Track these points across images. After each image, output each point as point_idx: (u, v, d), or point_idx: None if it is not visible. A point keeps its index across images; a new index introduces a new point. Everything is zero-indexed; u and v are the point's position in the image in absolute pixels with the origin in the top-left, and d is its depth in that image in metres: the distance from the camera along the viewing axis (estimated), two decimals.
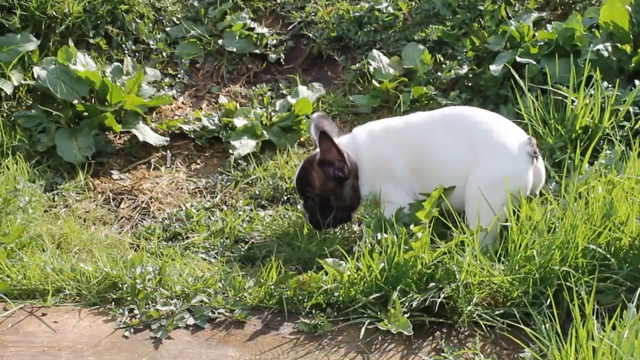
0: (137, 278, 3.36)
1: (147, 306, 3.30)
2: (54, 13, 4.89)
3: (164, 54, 5.00)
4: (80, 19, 4.92)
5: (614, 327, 2.77)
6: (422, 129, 3.65)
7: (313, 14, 5.17)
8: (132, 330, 3.22)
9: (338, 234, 3.83)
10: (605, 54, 4.40)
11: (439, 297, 3.17)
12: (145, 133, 4.52)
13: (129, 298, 3.35)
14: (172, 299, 3.33)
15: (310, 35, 5.11)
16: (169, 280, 3.38)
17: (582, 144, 3.91)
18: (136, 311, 3.29)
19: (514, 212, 3.34)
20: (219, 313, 3.28)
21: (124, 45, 5.00)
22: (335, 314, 3.24)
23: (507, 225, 3.34)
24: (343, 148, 3.68)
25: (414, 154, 3.64)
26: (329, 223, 3.72)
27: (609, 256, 3.20)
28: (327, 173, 3.67)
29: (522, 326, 3.00)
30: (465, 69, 4.76)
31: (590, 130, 4.03)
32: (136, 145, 4.54)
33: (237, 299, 3.33)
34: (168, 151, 4.53)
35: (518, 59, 4.50)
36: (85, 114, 4.49)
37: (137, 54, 4.99)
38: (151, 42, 5.03)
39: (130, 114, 4.55)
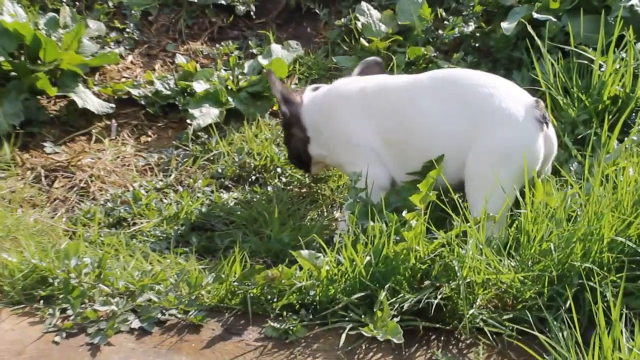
0: (72, 272, 3.31)
1: (82, 306, 3.25)
2: None
3: (110, 4, 4.97)
4: None
5: None
6: (405, 94, 3.63)
7: None
8: (64, 335, 3.16)
9: (316, 221, 3.80)
10: None
11: (435, 298, 3.15)
12: (86, 98, 4.48)
13: (61, 296, 3.29)
14: (113, 298, 3.29)
15: None
16: (111, 275, 3.34)
17: (610, 117, 3.93)
18: (69, 311, 3.23)
19: (525, 193, 3.32)
20: (170, 315, 3.24)
21: None
22: (311, 316, 3.21)
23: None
24: (309, 99, 3.84)
25: (391, 123, 3.64)
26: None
27: None
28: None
29: (535, 333, 2.97)
30: (471, 27, 4.77)
31: (620, 100, 4.03)
32: (74, 113, 4.49)
33: (193, 298, 3.29)
34: (113, 120, 4.50)
35: (535, 15, 4.50)
36: (13, 74, 4.43)
37: (77, 3, 4.95)
38: None
39: (67, 75, 4.50)
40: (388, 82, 3.73)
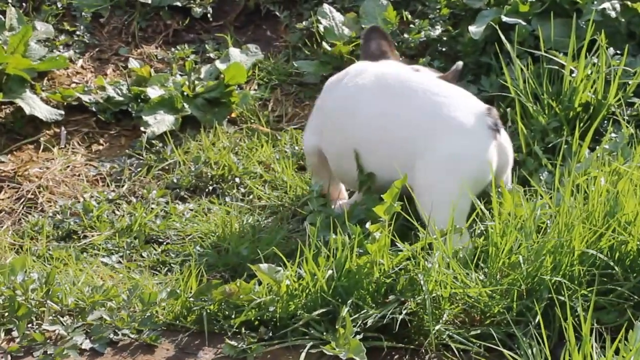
0: (18, 288, 3.28)
1: (29, 326, 3.22)
2: None
3: (59, 5, 4.94)
4: None
5: (616, 352, 2.77)
6: (354, 87, 3.69)
7: None
8: (9, 358, 3.13)
9: (276, 233, 3.79)
10: (613, 14, 4.44)
11: (400, 314, 3.16)
12: (34, 105, 4.45)
13: (6, 314, 3.26)
14: (62, 316, 3.27)
15: None
16: (59, 291, 3.32)
17: (581, 124, 3.94)
18: (15, 333, 3.20)
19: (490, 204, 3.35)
20: (122, 334, 3.22)
21: None
22: (270, 334, 3.21)
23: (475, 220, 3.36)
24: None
25: (338, 114, 3.70)
26: None
27: (612, 264, 3.20)
28: None
29: (503, 350, 2.97)
30: (438, 30, 4.78)
31: (591, 107, 4.06)
32: (21, 120, 4.47)
33: (146, 315, 3.28)
34: (62, 128, 4.48)
35: (504, 19, 4.51)
36: None
37: (24, 5, 4.92)
38: None
39: (13, 80, 4.47)
40: (355, 70, 3.78)
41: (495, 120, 3.51)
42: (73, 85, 4.67)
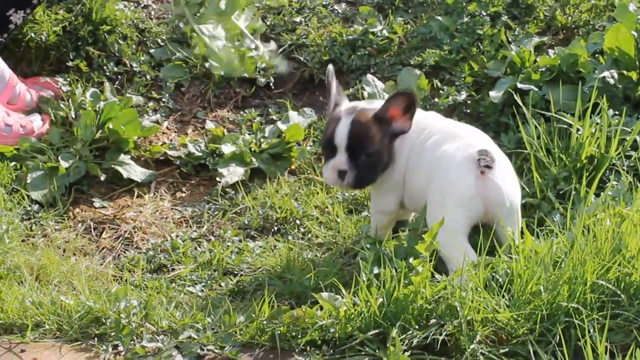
0: (122, 312, 3.35)
1: (132, 342, 3.29)
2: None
3: (148, 77, 5.01)
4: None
5: None
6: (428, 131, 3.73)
7: (304, 36, 5.19)
8: None
9: (332, 266, 3.82)
10: (611, 81, 4.44)
11: (440, 335, 3.19)
12: (130, 170, 4.50)
13: (112, 333, 3.33)
14: (158, 335, 3.33)
15: (301, 58, 5.13)
16: (155, 315, 3.38)
17: (587, 174, 3.96)
18: (121, 347, 3.27)
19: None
20: (208, 350, 3.27)
21: (105, 67, 4.98)
22: (331, 351, 3.25)
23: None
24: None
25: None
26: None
27: (618, 292, 3.22)
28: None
29: None
30: (463, 95, 4.79)
31: (596, 160, 4.07)
32: (118, 172, 4.51)
33: (228, 334, 3.33)
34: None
35: (519, 85, 4.53)
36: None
37: (119, 77, 4.99)
38: (134, 65, 5.03)
39: (113, 149, 4.57)
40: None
41: (482, 157, 3.46)
42: (160, 143, 4.73)
